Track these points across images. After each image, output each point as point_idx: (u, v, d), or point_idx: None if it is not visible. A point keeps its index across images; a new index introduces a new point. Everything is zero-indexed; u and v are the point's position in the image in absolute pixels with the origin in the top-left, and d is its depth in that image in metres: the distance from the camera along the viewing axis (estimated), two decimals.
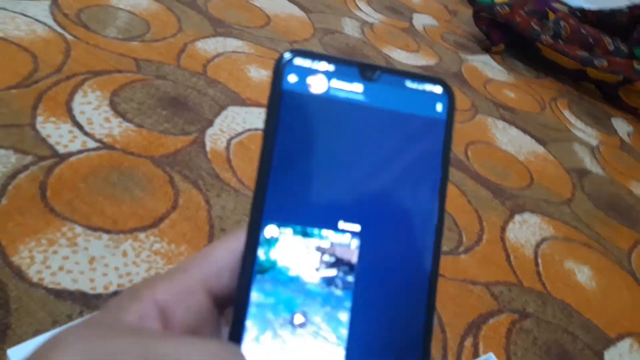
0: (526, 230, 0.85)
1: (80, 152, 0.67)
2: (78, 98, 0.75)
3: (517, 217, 0.88)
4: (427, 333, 0.19)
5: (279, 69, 0.20)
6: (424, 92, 0.21)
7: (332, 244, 0.19)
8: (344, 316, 0.19)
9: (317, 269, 0.19)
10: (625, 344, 0.72)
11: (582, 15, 1.64)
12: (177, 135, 0.75)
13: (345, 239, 0.19)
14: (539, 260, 0.80)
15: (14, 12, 0.86)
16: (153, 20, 1.00)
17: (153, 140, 0.72)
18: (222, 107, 0.84)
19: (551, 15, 1.55)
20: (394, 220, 0.20)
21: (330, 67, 0.20)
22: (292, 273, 0.19)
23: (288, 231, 0.19)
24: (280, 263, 0.19)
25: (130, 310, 0.17)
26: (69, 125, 0.70)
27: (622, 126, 1.42)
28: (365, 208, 0.20)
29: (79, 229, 0.58)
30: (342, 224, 0.19)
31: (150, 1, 1.05)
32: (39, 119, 0.69)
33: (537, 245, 0.83)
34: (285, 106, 0.19)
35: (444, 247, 0.75)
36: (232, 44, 1.03)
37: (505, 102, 1.27)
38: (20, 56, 0.78)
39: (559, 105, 1.38)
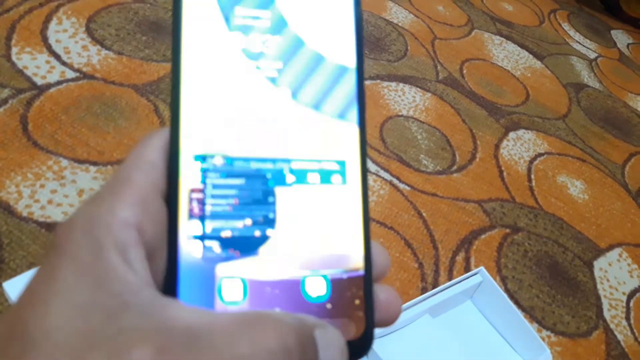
0: (520, 147, 0.85)
1: (59, 82, 0.64)
2: (53, 26, 0.71)
3: (512, 135, 0.87)
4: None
5: None
6: None
7: None
8: None
9: None
10: (614, 254, 0.73)
11: None
12: (159, 62, 0.72)
13: None
14: (532, 176, 0.80)
15: None
16: None
17: (134, 68, 0.70)
18: None
19: None
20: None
21: None
22: None
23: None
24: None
25: (111, 253, 0.14)
26: (46, 56, 0.67)
27: (622, 38, 1.37)
28: None
29: (64, 162, 0.57)
30: None
31: None
32: (14, 49, 0.66)
33: (531, 162, 0.83)
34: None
35: (437, 167, 0.74)
36: None
37: (503, 16, 1.22)
38: None
39: (558, 18, 1.32)
